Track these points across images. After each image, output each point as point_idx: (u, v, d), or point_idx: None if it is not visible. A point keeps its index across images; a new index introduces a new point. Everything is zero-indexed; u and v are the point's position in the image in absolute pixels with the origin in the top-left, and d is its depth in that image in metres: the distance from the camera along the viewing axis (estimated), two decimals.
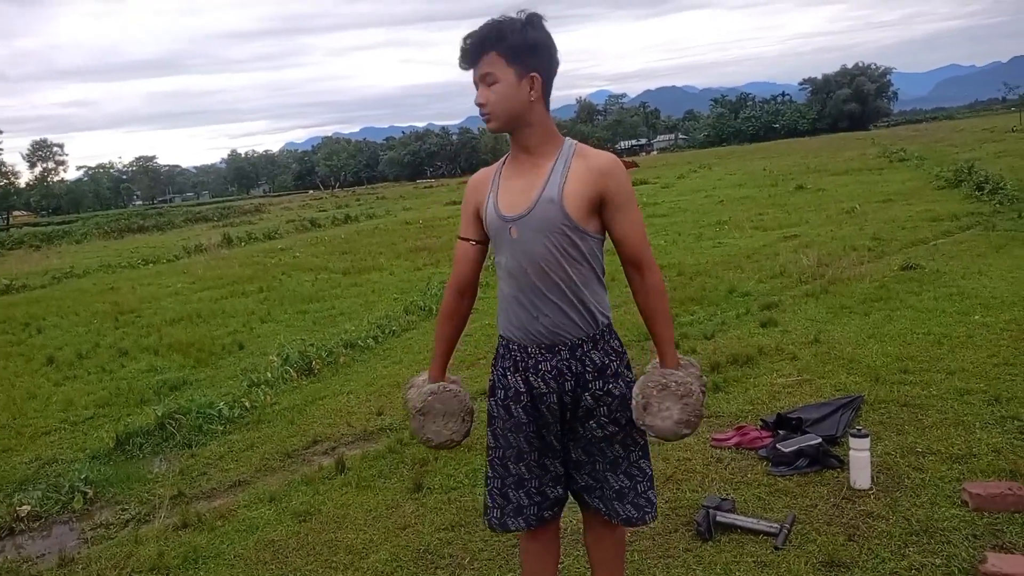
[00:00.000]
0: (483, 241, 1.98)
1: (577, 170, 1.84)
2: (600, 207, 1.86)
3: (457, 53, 1.86)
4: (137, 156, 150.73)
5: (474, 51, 1.83)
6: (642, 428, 1.89)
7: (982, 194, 11.36)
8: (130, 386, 6.14)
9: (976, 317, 5.08)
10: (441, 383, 2.08)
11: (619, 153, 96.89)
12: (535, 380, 1.92)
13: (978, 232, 8.47)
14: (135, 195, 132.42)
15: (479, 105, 1.85)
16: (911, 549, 2.55)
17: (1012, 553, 2.43)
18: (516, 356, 1.94)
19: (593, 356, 1.91)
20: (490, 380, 2.06)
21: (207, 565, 3.09)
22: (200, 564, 3.10)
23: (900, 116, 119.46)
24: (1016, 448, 3.15)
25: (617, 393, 1.93)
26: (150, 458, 4.45)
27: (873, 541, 2.63)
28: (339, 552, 3.05)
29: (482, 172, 2.02)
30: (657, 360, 1.95)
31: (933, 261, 7.05)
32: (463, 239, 2.00)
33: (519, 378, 1.94)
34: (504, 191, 1.90)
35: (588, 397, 1.91)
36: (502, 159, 1.99)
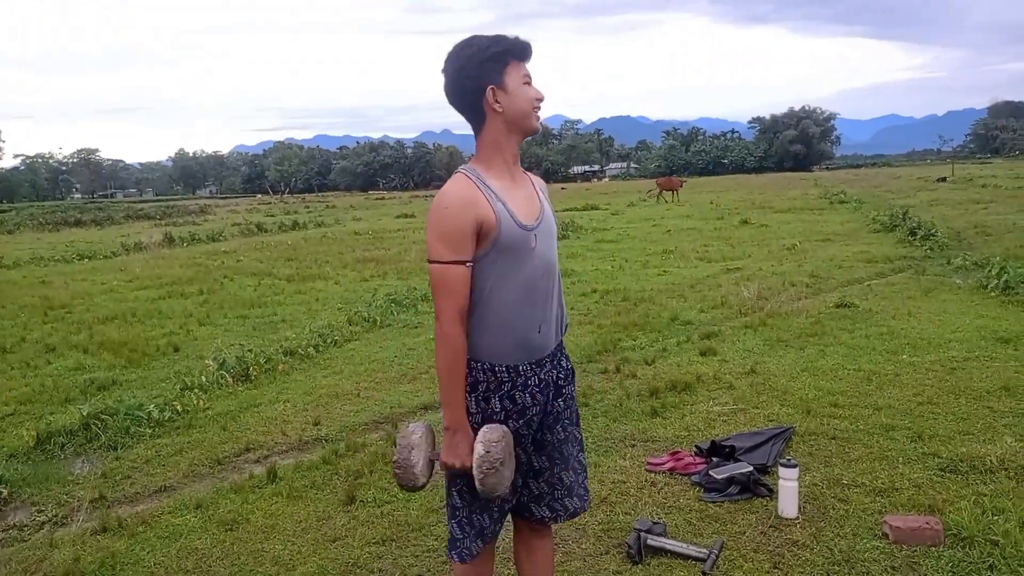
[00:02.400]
0: (473, 261, 1.82)
1: (539, 185, 2.04)
2: None
3: (515, 42, 1.85)
4: (78, 148, 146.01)
5: (530, 52, 1.88)
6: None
7: (914, 239, 11.84)
8: (55, 383, 5.89)
9: (904, 356, 5.28)
10: (496, 426, 1.82)
11: (576, 177, 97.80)
12: (522, 397, 1.88)
13: (909, 275, 8.82)
14: (74, 188, 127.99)
15: (540, 100, 1.88)
16: None
17: None
18: (503, 377, 1.87)
19: (562, 362, 2.02)
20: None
21: (125, 572, 2.98)
22: (118, 570, 2.99)
23: (842, 160, 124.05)
24: (935, 484, 3.28)
25: (574, 394, 2.09)
26: (72, 459, 4.27)
27: (797, 570, 2.69)
28: (265, 563, 2.97)
29: (463, 189, 1.80)
30: None
31: (866, 300, 7.31)
32: (462, 262, 1.77)
33: (503, 398, 1.87)
34: (512, 201, 1.85)
35: (560, 402, 2.00)
36: (469, 174, 1.85)
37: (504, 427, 1.83)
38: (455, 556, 2.00)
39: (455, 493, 1.98)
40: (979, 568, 2.61)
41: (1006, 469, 3.34)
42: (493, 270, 1.82)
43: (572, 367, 2.08)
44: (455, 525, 1.99)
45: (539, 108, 1.88)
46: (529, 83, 1.87)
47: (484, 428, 1.80)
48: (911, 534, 2.80)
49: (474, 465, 1.77)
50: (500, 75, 1.83)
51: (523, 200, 1.89)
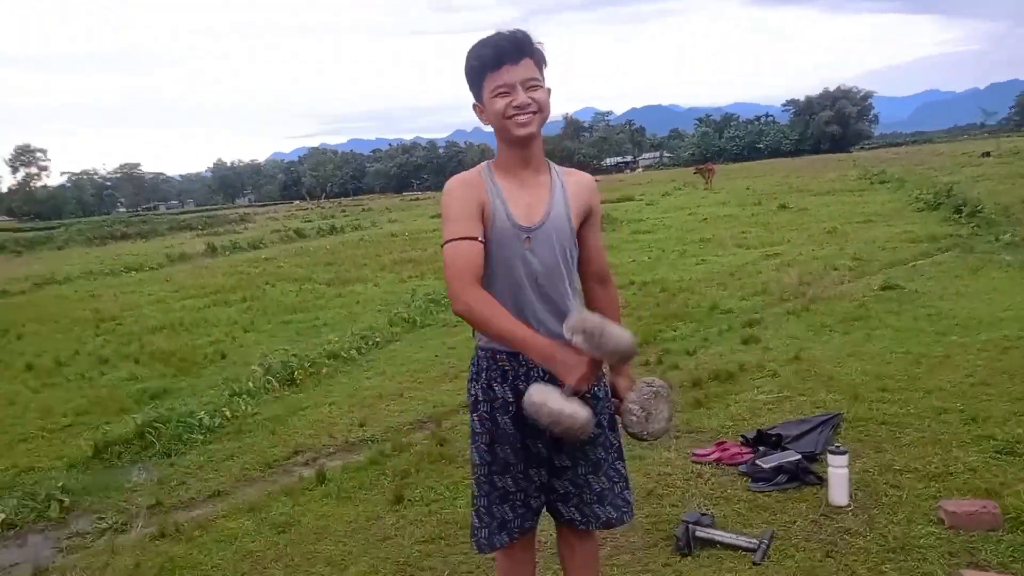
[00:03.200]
0: (484, 242, 1.82)
1: (571, 186, 1.96)
2: (583, 222, 1.98)
3: (487, 52, 1.79)
4: (121, 163, 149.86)
5: (516, 51, 1.81)
6: (644, 437, 2.04)
7: (960, 217, 11.53)
8: (110, 394, 6.08)
9: (953, 337, 5.16)
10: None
11: (608, 169, 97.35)
12: (525, 387, 1.86)
13: (956, 254, 8.60)
14: (119, 202, 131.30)
15: (524, 106, 1.79)
16: (888, 566, 2.58)
17: (986, 571, 2.46)
18: (504, 366, 1.91)
19: None
20: (471, 394, 2.01)
21: (184, 575, 3.06)
22: (177, 574, 3.07)
23: (881, 139, 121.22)
24: (991, 467, 3.20)
25: (601, 395, 2.01)
26: (128, 467, 4.40)
27: (850, 558, 2.65)
28: (318, 564, 3.03)
29: (470, 175, 1.89)
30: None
31: (912, 282, 7.15)
32: (471, 238, 1.78)
33: (507, 388, 1.92)
34: (513, 202, 1.86)
35: None
36: (481, 170, 1.90)
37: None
38: (474, 545, 2.03)
39: (474, 482, 2.02)
40: None
41: None
42: (487, 264, 1.83)
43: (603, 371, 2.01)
44: (473, 514, 2.03)
45: (520, 115, 1.79)
46: (504, 93, 1.79)
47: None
48: (968, 519, 2.74)
49: (590, 347, 1.67)
50: (479, 91, 1.86)
51: (526, 203, 1.88)
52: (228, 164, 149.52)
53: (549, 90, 1.88)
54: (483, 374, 1.95)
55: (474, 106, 1.90)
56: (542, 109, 1.84)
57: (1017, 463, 3.21)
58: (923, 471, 3.23)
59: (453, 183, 1.87)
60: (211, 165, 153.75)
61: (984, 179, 18.93)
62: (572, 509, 2.03)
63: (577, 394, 1.70)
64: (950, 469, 3.22)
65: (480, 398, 1.96)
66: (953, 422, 3.72)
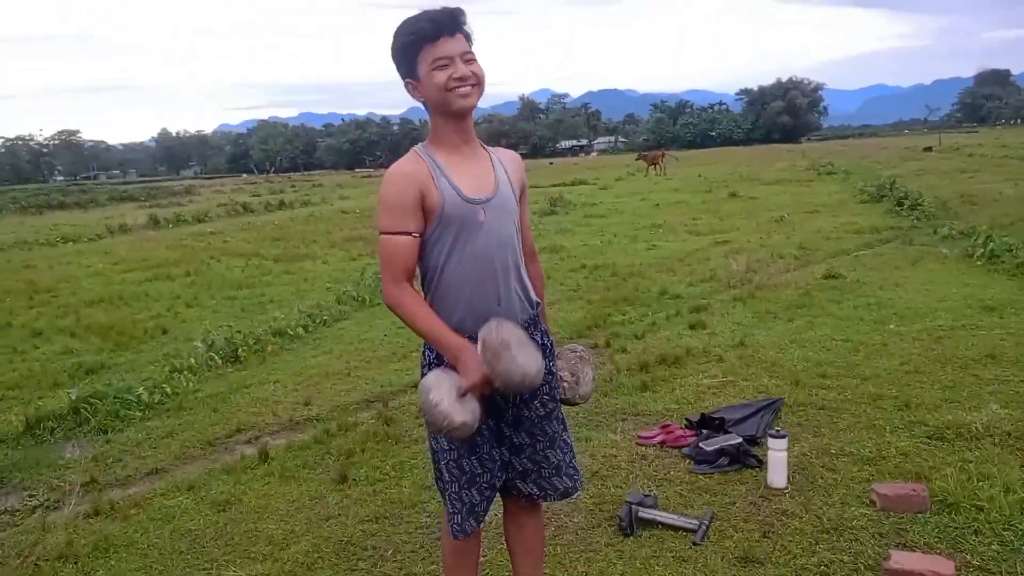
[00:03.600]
0: (421, 235, 1.87)
1: (505, 161, 2.00)
2: (518, 197, 2.02)
3: (424, 25, 1.78)
4: (59, 130, 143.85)
5: (453, 24, 1.80)
6: (576, 401, 2.12)
7: (902, 209, 11.88)
8: (43, 368, 5.86)
9: (891, 326, 5.32)
10: (492, 320, 1.80)
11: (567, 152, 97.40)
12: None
13: (896, 245, 8.87)
14: (56, 170, 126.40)
15: (465, 78, 1.79)
16: (821, 546, 2.66)
17: (914, 551, 2.55)
18: None
19: (535, 337, 1.99)
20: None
21: (119, 554, 2.98)
22: (112, 553, 2.99)
23: (829, 131, 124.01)
24: (922, 451, 3.32)
25: (554, 371, 2.06)
26: (62, 443, 4.26)
27: (786, 538, 2.73)
28: (259, 543, 2.98)
29: (408, 163, 1.86)
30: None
31: (854, 271, 7.35)
32: (406, 233, 1.82)
33: None
34: (459, 175, 1.86)
35: None
36: (419, 151, 1.89)
37: (497, 321, 1.79)
38: (451, 532, 2.01)
39: (443, 469, 1.99)
40: (964, 533, 2.65)
41: (991, 436, 3.37)
42: (443, 244, 1.86)
43: (551, 343, 2.07)
44: (447, 501, 2.00)
45: (461, 87, 1.79)
46: (443, 66, 1.78)
47: (489, 321, 1.79)
48: (898, 501, 2.84)
49: (483, 362, 1.73)
50: (412, 65, 1.84)
51: (473, 175, 1.88)
52: (173, 134, 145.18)
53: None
54: (443, 358, 1.89)
55: (406, 83, 1.87)
56: (480, 82, 1.84)
57: (945, 448, 3.34)
58: (858, 455, 3.33)
59: (392, 173, 1.85)
60: (155, 135, 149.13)
61: (925, 173, 19.56)
62: (531, 484, 2.06)
63: (467, 395, 1.76)
64: (883, 453, 3.33)
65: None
66: (887, 408, 3.84)
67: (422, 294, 1.93)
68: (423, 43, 1.80)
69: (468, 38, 1.85)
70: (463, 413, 1.74)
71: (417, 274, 1.94)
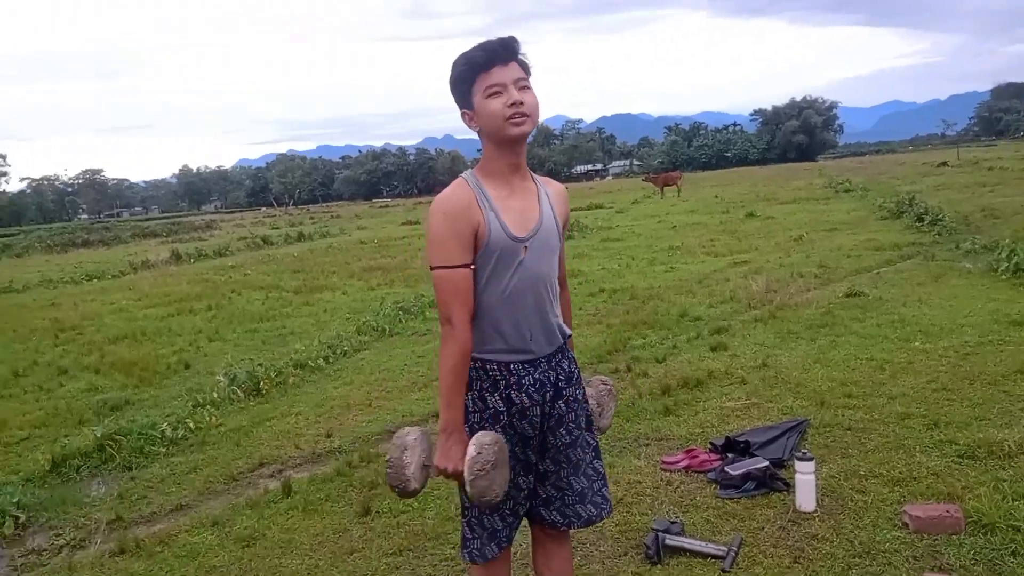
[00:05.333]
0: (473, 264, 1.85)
1: (552, 194, 2.01)
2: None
3: (478, 54, 1.82)
4: (84, 169, 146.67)
5: (507, 53, 1.83)
6: (594, 432, 2.12)
7: (922, 225, 11.77)
8: (68, 406, 5.92)
9: (916, 344, 5.24)
10: (489, 432, 1.83)
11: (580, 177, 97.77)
12: (518, 396, 1.90)
13: (918, 262, 8.77)
14: (81, 209, 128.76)
15: (518, 104, 1.80)
16: (854, 572, 2.60)
17: (949, 574, 2.49)
18: (496, 376, 1.90)
19: (564, 364, 1.99)
20: (465, 409, 1.95)
21: None
22: None
23: (845, 148, 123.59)
24: (953, 471, 3.25)
25: (582, 398, 2.06)
26: (87, 481, 4.28)
27: (818, 563, 2.67)
28: None
29: (460, 193, 1.85)
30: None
31: (876, 289, 7.27)
32: (465, 266, 1.81)
33: (498, 398, 1.90)
34: (506, 211, 1.86)
35: (562, 404, 1.98)
36: (468, 180, 1.89)
37: (498, 435, 1.83)
38: (466, 555, 2.02)
39: (463, 493, 1.99)
40: (1002, 555, 2.58)
41: None
42: (481, 275, 1.86)
43: (577, 370, 2.06)
44: (465, 525, 2.02)
45: (515, 115, 1.80)
46: (497, 93, 1.80)
47: (479, 433, 1.82)
48: (931, 523, 2.77)
49: (465, 467, 1.77)
50: (468, 95, 1.86)
51: (519, 211, 1.88)
52: (194, 170, 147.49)
53: (536, 96, 1.90)
54: (474, 384, 1.92)
55: (463, 114, 1.90)
56: (532, 112, 1.85)
57: (978, 467, 3.26)
58: (888, 476, 3.27)
59: (443, 204, 1.83)
60: (176, 171, 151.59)
61: (944, 188, 19.38)
62: (554, 512, 2.05)
63: (428, 470, 1.87)
64: (914, 474, 3.26)
65: (471, 408, 1.93)
66: (916, 427, 3.77)
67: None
68: (477, 72, 1.83)
69: (524, 67, 1.86)
70: (419, 481, 1.85)
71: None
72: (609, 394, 2.19)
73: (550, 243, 1.93)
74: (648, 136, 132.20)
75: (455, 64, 1.87)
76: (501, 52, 1.82)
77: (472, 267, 1.82)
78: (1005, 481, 3.07)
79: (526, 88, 1.85)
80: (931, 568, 2.55)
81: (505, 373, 1.90)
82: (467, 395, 1.90)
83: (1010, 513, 2.78)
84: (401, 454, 1.84)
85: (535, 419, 1.92)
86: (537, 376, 1.92)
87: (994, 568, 2.52)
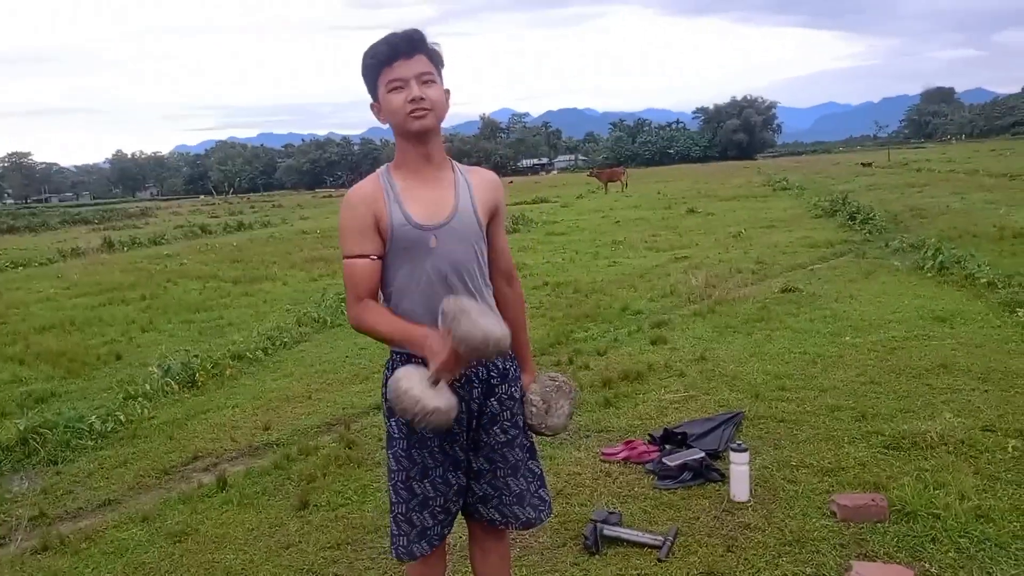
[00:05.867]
0: (381, 256, 1.86)
1: (476, 183, 1.95)
2: (490, 220, 1.97)
3: (381, 48, 1.80)
4: (9, 152, 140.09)
5: (409, 46, 1.81)
6: (541, 431, 2.05)
7: (854, 223, 12.18)
8: None
9: (847, 338, 5.43)
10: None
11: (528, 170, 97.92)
12: None
13: (850, 259, 9.07)
14: (6, 193, 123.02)
15: (417, 100, 1.79)
16: (784, 559, 2.67)
17: (874, 561, 2.58)
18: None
19: (496, 362, 1.95)
20: (387, 401, 1.93)
21: None
22: None
23: (783, 147, 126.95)
24: (879, 462, 3.37)
25: (517, 396, 2.02)
26: (9, 476, 4.10)
27: (750, 552, 2.74)
28: (216, 573, 2.90)
29: (365, 186, 1.86)
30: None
31: (810, 284, 7.49)
32: (364, 256, 1.83)
33: None
34: (412, 201, 1.84)
35: (494, 402, 1.95)
36: (381, 173, 1.89)
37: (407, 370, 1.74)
38: (393, 553, 2.01)
39: (391, 489, 1.98)
40: (923, 541, 2.69)
41: (946, 444, 3.45)
42: (395, 268, 1.86)
43: (514, 367, 2.02)
44: (392, 521, 2.00)
45: (415, 110, 1.78)
46: (399, 88, 1.80)
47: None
48: (858, 511, 2.87)
49: (445, 333, 1.70)
50: (375, 89, 1.87)
51: (429, 201, 1.86)
52: (129, 156, 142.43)
53: (447, 91, 1.88)
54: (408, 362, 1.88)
55: (371, 106, 1.91)
56: (435, 107, 1.83)
57: (902, 457, 3.40)
58: (817, 466, 3.38)
59: (349, 197, 1.87)
60: (110, 156, 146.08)
61: (876, 188, 20.09)
62: (492, 510, 2.03)
63: (439, 382, 1.72)
64: (842, 464, 3.38)
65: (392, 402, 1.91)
66: (845, 419, 3.90)
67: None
68: (381, 66, 1.82)
69: (432, 58, 1.84)
70: (436, 398, 1.69)
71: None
72: (558, 391, 2.06)
73: (466, 233, 1.88)
74: (593, 131, 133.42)
75: (364, 55, 1.86)
76: (404, 46, 1.81)
77: (372, 258, 1.83)
78: (927, 471, 3.20)
79: (430, 82, 1.82)
80: (857, 555, 2.64)
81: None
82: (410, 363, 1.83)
83: (931, 501, 2.90)
84: (398, 385, 1.71)
85: (461, 415, 1.88)
86: (464, 372, 1.87)
87: (916, 554, 2.63)
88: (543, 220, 17.91)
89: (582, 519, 3.03)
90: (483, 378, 1.93)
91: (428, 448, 1.92)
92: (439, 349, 1.72)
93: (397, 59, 1.80)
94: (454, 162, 1.96)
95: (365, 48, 1.85)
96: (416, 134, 1.83)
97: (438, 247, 1.84)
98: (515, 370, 2.03)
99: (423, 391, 1.69)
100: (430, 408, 1.67)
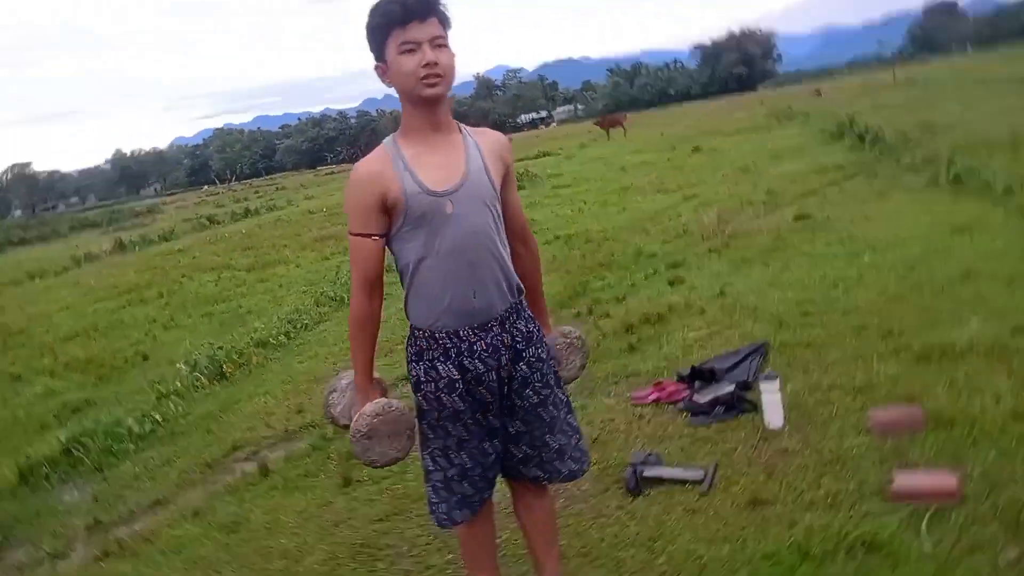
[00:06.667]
0: (386, 235, 1.85)
1: (485, 144, 1.91)
2: (502, 179, 1.94)
3: (394, 8, 1.74)
4: (11, 164, 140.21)
5: (424, 8, 1.75)
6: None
7: (863, 145, 11.99)
8: (27, 413, 5.75)
9: (865, 258, 5.38)
10: (382, 402, 1.93)
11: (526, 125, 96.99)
12: (471, 363, 1.87)
13: (862, 180, 8.95)
14: (13, 206, 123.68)
15: (432, 64, 1.74)
16: (826, 479, 2.69)
17: (916, 468, 2.60)
18: (446, 344, 1.87)
19: (519, 325, 1.95)
20: (413, 375, 1.96)
21: None
22: None
23: (785, 77, 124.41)
24: (911, 375, 3.37)
25: (544, 356, 2.01)
26: (59, 488, 4.16)
27: (791, 475, 2.76)
28: (273, 559, 2.96)
29: (372, 161, 1.83)
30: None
31: (823, 210, 7.42)
32: (367, 235, 1.83)
33: (451, 366, 1.88)
34: (423, 168, 1.80)
35: (523, 366, 1.94)
36: (387, 144, 1.85)
37: (393, 407, 1.94)
38: (435, 520, 2.02)
39: (427, 457, 2.00)
40: (963, 447, 2.70)
41: (976, 351, 3.43)
42: (414, 240, 1.83)
43: (537, 329, 2.01)
44: (429, 489, 2.01)
45: (429, 75, 1.73)
46: (411, 50, 1.73)
47: (373, 401, 1.94)
48: (895, 424, 2.86)
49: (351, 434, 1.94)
50: (382, 49, 1.80)
51: (440, 166, 1.82)
52: (128, 154, 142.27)
53: (454, 54, 1.83)
54: (424, 354, 1.91)
55: (376, 67, 1.83)
56: (447, 73, 1.78)
57: (933, 368, 3.39)
58: (849, 386, 3.38)
59: (354, 173, 1.84)
60: (110, 157, 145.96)
61: (883, 107, 19.68)
62: (533, 468, 2.04)
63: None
64: (873, 381, 3.38)
65: (423, 379, 1.92)
66: (872, 337, 3.89)
67: (401, 290, 1.93)
68: (392, 26, 1.75)
69: (443, 22, 1.79)
70: (346, 419, 2.01)
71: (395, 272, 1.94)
72: (570, 347, 2.17)
73: (481, 195, 1.85)
74: (590, 79, 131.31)
75: (371, 13, 1.79)
76: (418, 7, 1.74)
77: (375, 238, 1.83)
78: (960, 379, 3.20)
79: (442, 47, 1.78)
80: (897, 466, 2.65)
81: (456, 340, 1.86)
82: (418, 365, 1.92)
83: (967, 407, 2.90)
84: (330, 395, 2.06)
85: (492, 384, 1.90)
86: (490, 341, 1.88)
87: (957, 458, 2.63)
88: (548, 174, 17.76)
89: (621, 464, 3.06)
90: (508, 344, 1.92)
91: (462, 421, 1.92)
92: (345, 413, 2.01)
93: (411, 20, 1.73)
94: (461, 125, 1.92)
95: (372, 4, 1.79)
96: (427, 101, 1.79)
97: (455, 212, 1.81)
98: (539, 332, 2.02)
99: (341, 411, 2.02)
100: (339, 423, 2.05)
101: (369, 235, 1.82)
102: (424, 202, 1.79)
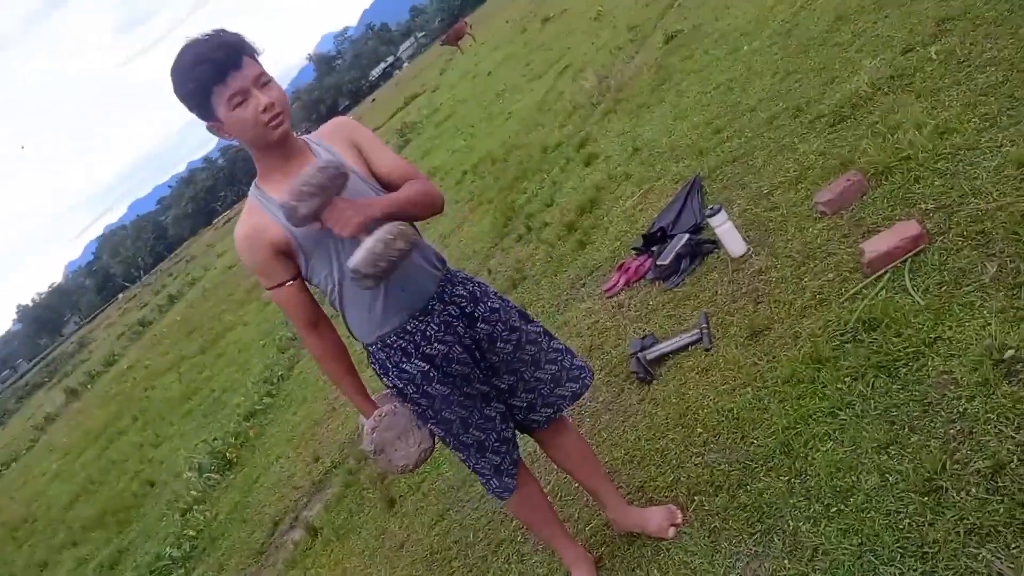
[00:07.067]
0: (298, 275, 1.80)
1: (331, 143, 1.84)
2: (363, 159, 1.84)
3: (203, 68, 1.60)
4: None
5: (234, 57, 1.62)
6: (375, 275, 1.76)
7: None
8: None
9: (744, 49, 5.35)
10: (373, 414, 1.91)
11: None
12: (432, 348, 1.85)
13: None
14: None
15: (270, 108, 1.65)
16: (806, 279, 2.72)
17: (878, 232, 2.63)
18: (401, 344, 1.85)
19: (458, 291, 1.91)
20: (390, 387, 1.94)
21: None
22: None
23: None
24: (834, 141, 3.38)
25: (497, 306, 1.96)
26: None
27: (775, 293, 2.79)
28: None
29: (245, 219, 1.76)
30: None
31: (686, 20, 7.34)
32: (280, 285, 1.78)
33: (417, 360, 1.86)
34: None
35: (482, 325, 1.92)
36: (252, 194, 1.78)
37: (384, 412, 1.90)
38: (493, 495, 2.08)
39: (452, 448, 2.03)
40: (909, 188, 2.72)
41: (880, 90, 3.45)
42: (324, 268, 1.78)
43: (476, 286, 1.96)
44: (474, 472, 2.05)
45: (271, 119, 1.65)
46: (241, 102, 1.63)
47: (368, 420, 1.90)
48: (842, 197, 2.90)
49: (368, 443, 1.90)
50: (209, 109, 1.66)
51: None
52: (29, 304, 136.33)
53: (278, 84, 1.72)
54: (387, 364, 1.89)
55: (209, 127, 1.71)
56: (285, 106, 1.69)
57: (850, 124, 3.41)
58: (787, 181, 3.39)
59: (236, 236, 1.78)
60: (14, 317, 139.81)
61: None
62: (541, 410, 2.04)
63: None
64: (805, 165, 3.39)
65: (400, 384, 1.91)
66: (786, 122, 3.89)
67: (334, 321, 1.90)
68: (211, 84, 1.62)
69: (254, 55, 1.67)
70: (408, 458, 1.95)
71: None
72: (388, 243, 1.67)
73: (357, 192, 1.76)
74: (415, 4, 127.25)
75: (179, 80, 1.64)
76: (230, 57, 1.62)
77: (289, 283, 1.80)
78: (877, 122, 3.22)
79: (268, 83, 1.67)
80: (862, 236, 2.68)
81: (407, 336, 1.84)
82: (388, 376, 1.91)
83: (895, 148, 2.92)
84: (362, 445, 1.96)
85: (462, 356, 1.89)
86: (439, 320, 1.85)
87: (908, 203, 2.66)
88: (424, 116, 17.35)
89: (623, 358, 3.07)
90: (457, 314, 1.89)
91: (454, 402, 1.91)
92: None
93: (228, 73, 1.61)
94: (304, 139, 1.83)
95: (174, 69, 1.64)
96: (278, 142, 1.70)
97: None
98: (479, 287, 1.96)
99: (397, 453, 1.92)
100: (408, 470, 1.95)
101: (282, 284, 1.79)
102: (311, 232, 1.73)
